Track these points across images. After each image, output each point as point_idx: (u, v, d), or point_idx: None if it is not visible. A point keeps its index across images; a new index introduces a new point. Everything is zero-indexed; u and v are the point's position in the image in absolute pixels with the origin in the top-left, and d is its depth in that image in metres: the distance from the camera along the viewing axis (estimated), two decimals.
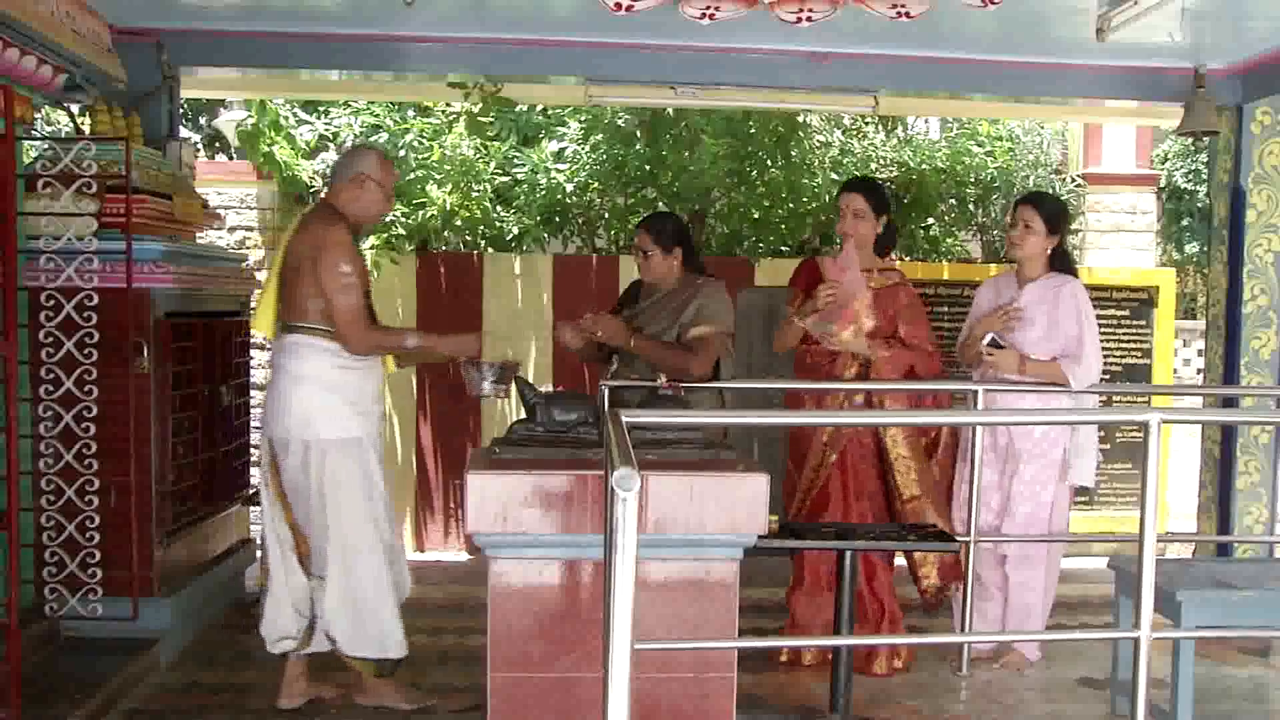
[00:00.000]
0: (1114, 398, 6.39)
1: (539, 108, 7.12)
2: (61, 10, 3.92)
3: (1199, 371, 11.55)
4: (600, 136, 7.02)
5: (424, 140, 7.04)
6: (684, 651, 2.89)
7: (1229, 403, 5.41)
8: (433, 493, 6.50)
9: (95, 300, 3.94)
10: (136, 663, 4.02)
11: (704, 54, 5.10)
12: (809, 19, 3.89)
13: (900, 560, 4.59)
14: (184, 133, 7.47)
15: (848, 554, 3.56)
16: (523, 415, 3.28)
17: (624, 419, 2.35)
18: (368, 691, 3.81)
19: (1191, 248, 15.27)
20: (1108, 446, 6.44)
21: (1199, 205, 14.77)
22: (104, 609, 3.99)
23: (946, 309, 6.53)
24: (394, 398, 6.23)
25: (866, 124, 8.15)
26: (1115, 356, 6.48)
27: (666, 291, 4.27)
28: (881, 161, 7.81)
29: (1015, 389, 4.29)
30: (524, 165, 7.02)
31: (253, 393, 6.02)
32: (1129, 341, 6.62)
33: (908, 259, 7.55)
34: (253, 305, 5.71)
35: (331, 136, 7.14)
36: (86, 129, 4.66)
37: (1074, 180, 8.03)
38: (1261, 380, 5.33)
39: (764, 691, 4.13)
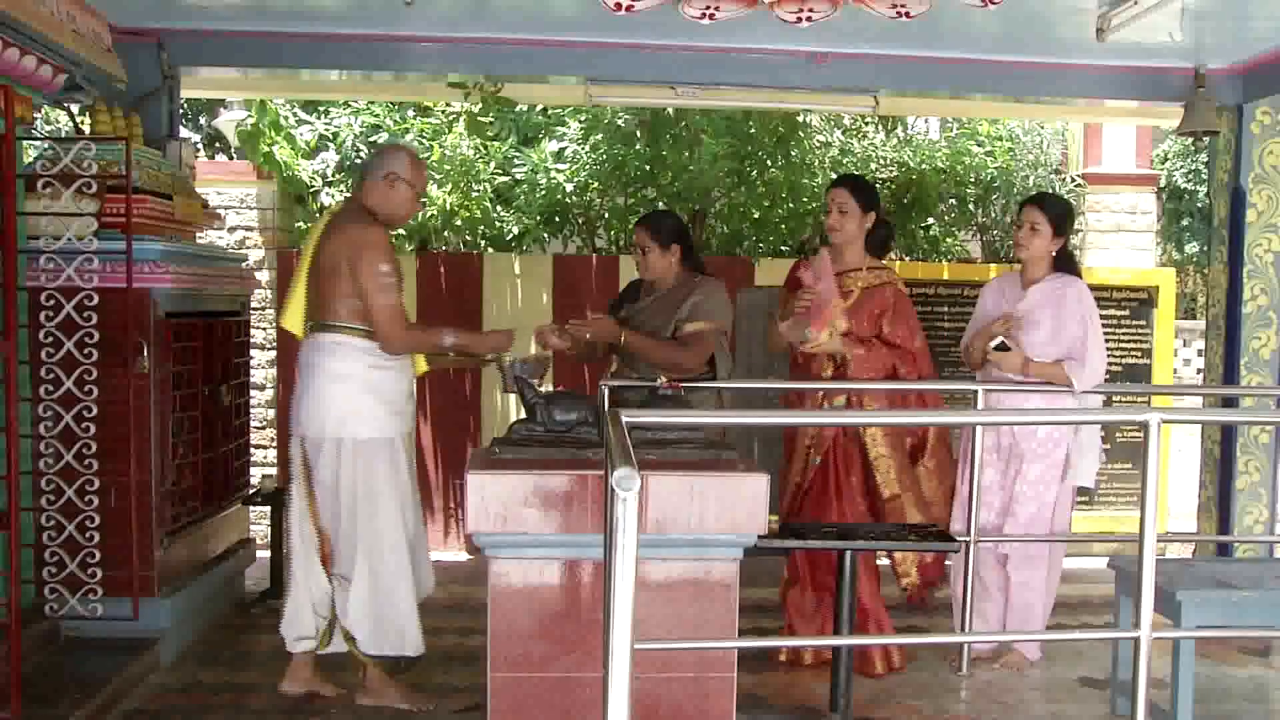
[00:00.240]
0: (1114, 398, 6.39)
1: (539, 108, 7.12)
2: (62, 10, 3.92)
3: (1199, 371, 11.56)
4: (600, 136, 7.01)
5: (424, 140, 7.04)
6: (684, 651, 2.88)
7: (1229, 403, 5.41)
8: (433, 493, 6.51)
9: (95, 300, 3.94)
10: (137, 663, 4.02)
11: (704, 54, 5.10)
12: (809, 19, 3.89)
13: (883, 559, 4.60)
14: (184, 133, 7.48)
15: (848, 554, 3.56)
16: (523, 415, 3.29)
17: (624, 419, 2.35)
18: (370, 692, 3.82)
19: (1191, 248, 15.29)
20: (1108, 446, 6.44)
21: (1199, 205, 14.78)
22: (104, 609, 3.98)
23: (946, 309, 6.53)
24: None
25: (866, 124, 8.15)
26: (1115, 356, 6.47)
27: (665, 290, 4.27)
28: (881, 161, 7.81)
29: (1019, 389, 4.29)
30: (524, 165, 7.02)
31: (253, 393, 6.03)
32: (1129, 341, 6.62)
33: (908, 259, 7.55)
34: (253, 305, 5.75)
35: (331, 136, 7.14)
36: (87, 129, 4.66)
37: (1074, 180, 8.03)
38: (1261, 380, 5.33)
39: (764, 691, 4.13)
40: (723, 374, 4.21)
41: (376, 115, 7.16)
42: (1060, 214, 4.35)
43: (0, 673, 3.30)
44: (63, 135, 6.04)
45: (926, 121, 9.42)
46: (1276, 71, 5.07)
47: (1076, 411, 4.37)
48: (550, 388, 6.18)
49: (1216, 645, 4.61)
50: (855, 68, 5.22)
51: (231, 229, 6.89)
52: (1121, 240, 7.55)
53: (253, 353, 5.75)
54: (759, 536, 2.88)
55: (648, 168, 7.07)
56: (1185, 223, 15.46)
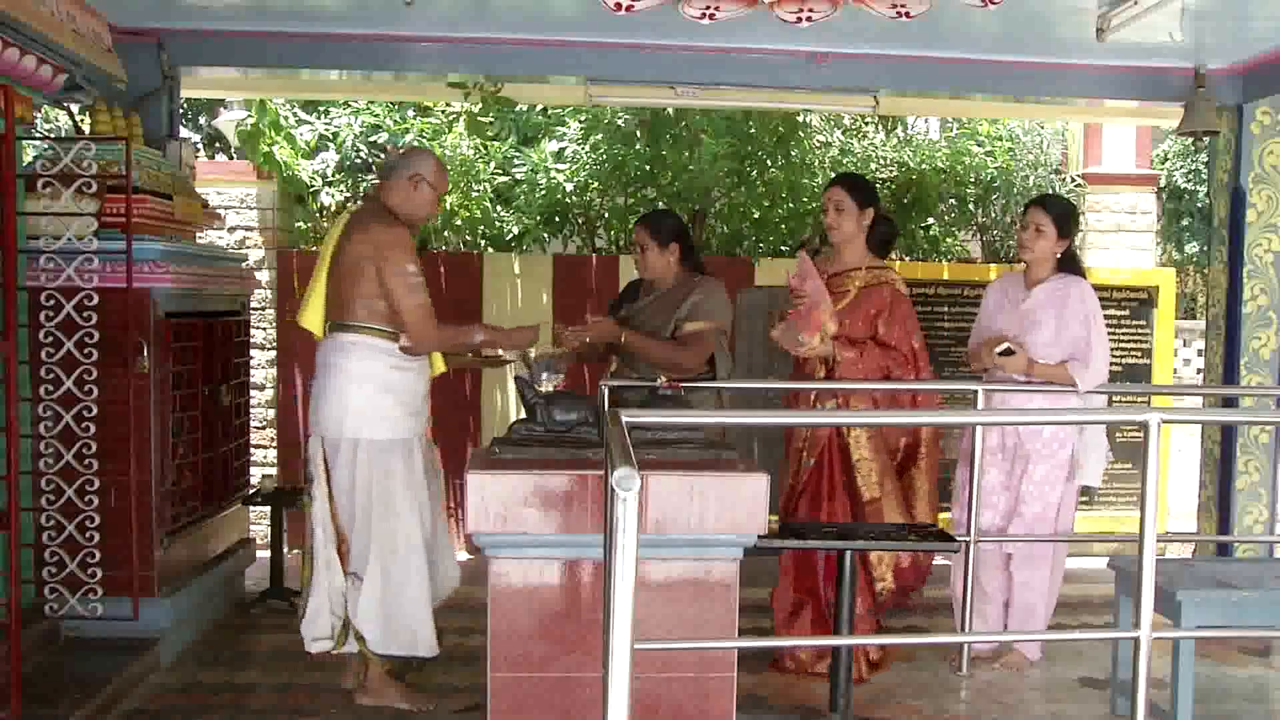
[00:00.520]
0: (1114, 397, 6.39)
1: (539, 107, 7.12)
2: (62, 10, 3.92)
3: (1199, 371, 11.56)
4: (600, 136, 7.01)
5: (424, 140, 7.05)
6: (684, 651, 2.88)
7: (1229, 403, 5.41)
8: None
9: (95, 300, 3.93)
10: (137, 663, 4.02)
11: (704, 54, 5.10)
12: (809, 19, 3.89)
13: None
14: (184, 133, 7.48)
15: (847, 554, 3.56)
16: (523, 415, 3.29)
17: (624, 419, 2.35)
18: (370, 691, 3.81)
19: (1191, 248, 15.29)
20: (1112, 446, 6.43)
21: (1199, 205, 14.79)
22: (104, 609, 3.98)
23: (946, 309, 6.53)
24: None
25: (866, 124, 8.16)
26: (1115, 356, 6.45)
27: (665, 289, 4.27)
28: (881, 161, 7.82)
29: (1022, 389, 4.28)
30: (524, 165, 7.02)
31: (252, 393, 6.03)
32: (1129, 341, 6.62)
33: (908, 259, 7.55)
34: (253, 305, 5.74)
35: (331, 136, 7.14)
36: (87, 129, 4.66)
37: (1074, 180, 8.03)
38: (1261, 380, 5.33)
39: (764, 691, 4.13)
40: (722, 374, 4.21)
41: (376, 115, 7.16)
42: (1064, 216, 4.35)
43: (0, 672, 3.30)
44: (63, 135, 6.04)
45: (926, 121, 9.43)
46: (1276, 71, 5.07)
47: (1077, 411, 4.37)
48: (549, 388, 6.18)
49: (1216, 645, 4.61)
50: (855, 68, 5.22)
51: (231, 229, 6.89)
52: (1121, 240, 7.55)
53: (253, 352, 5.75)
54: (759, 536, 2.88)
55: (648, 168, 7.07)
56: (1185, 223, 15.46)
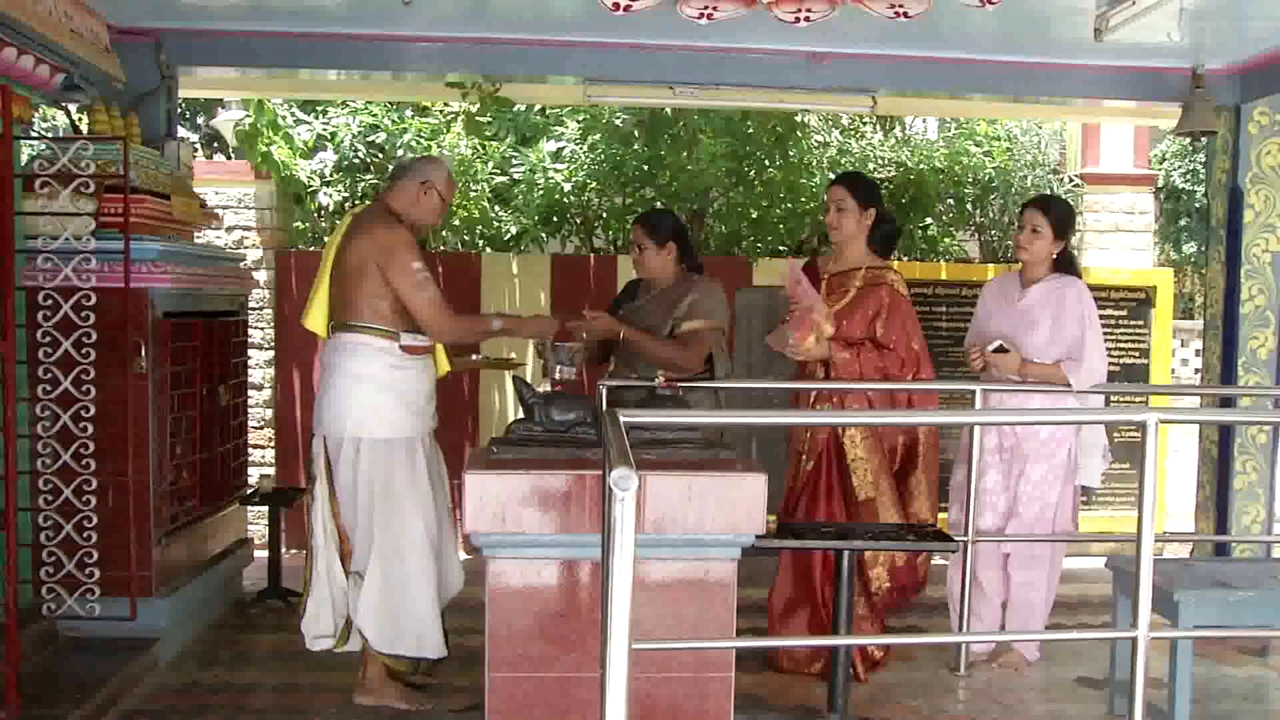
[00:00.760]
0: (1112, 397, 6.39)
1: (537, 107, 7.12)
2: (60, 9, 3.92)
3: (1196, 371, 11.57)
4: (598, 136, 7.02)
5: (422, 140, 7.04)
6: (682, 651, 2.88)
7: (1226, 403, 5.41)
8: None
9: (93, 300, 3.93)
10: (135, 663, 4.01)
11: (703, 54, 5.10)
12: (807, 19, 3.89)
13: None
14: (182, 132, 7.46)
15: (846, 554, 3.56)
16: (521, 415, 3.28)
17: (622, 419, 2.35)
18: (368, 691, 3.81)
19: (1189, 248, 15.29)
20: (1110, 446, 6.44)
21: (1197, 205, 14.79)
22: (102, 609, 3.98)
23: (945, 309, 6.53)
24: None
25: (865, 124, 8.16)
26: (1113, 356, 6.47)
27: (662, 289, 4.27)
28: (880, 161, 7.82)
29: (1020, 390, 4.29)
30: (522, 165, 7.02)
31: (250, 392, 6.03)
32: (1127, 341, 6.62)
33: (906, 259, 7.55)
34: (251, 305, 5.74)
35: (329, 136, 7.14)
36: (84, 128, 4.65)
37: (1072, 180, 8.03)
38: (1259, 380, 5.33)
39: (763, 691, 4.13)
40: (721, 374, 4.21)
41: (374, 115, 7.15)
42: (1062, 217, 4.35)
43: None
44: (60, 135, 6.03)
45: (924, 121, 9.43)
46: (1274, 71, 5.08)
47: (1075, 411, 4.37)
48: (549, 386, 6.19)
49: (1214, 645, 4.60)
50: (854, 68, 5.23)
51: (229, 229, 6.88)
52: (1119, 240, 7.55)
53: (250, 352, 5.74)
54: (757, 536, 2.88)
55: (646, 168, 7.07)
56: (1183, 223, 15.46)
